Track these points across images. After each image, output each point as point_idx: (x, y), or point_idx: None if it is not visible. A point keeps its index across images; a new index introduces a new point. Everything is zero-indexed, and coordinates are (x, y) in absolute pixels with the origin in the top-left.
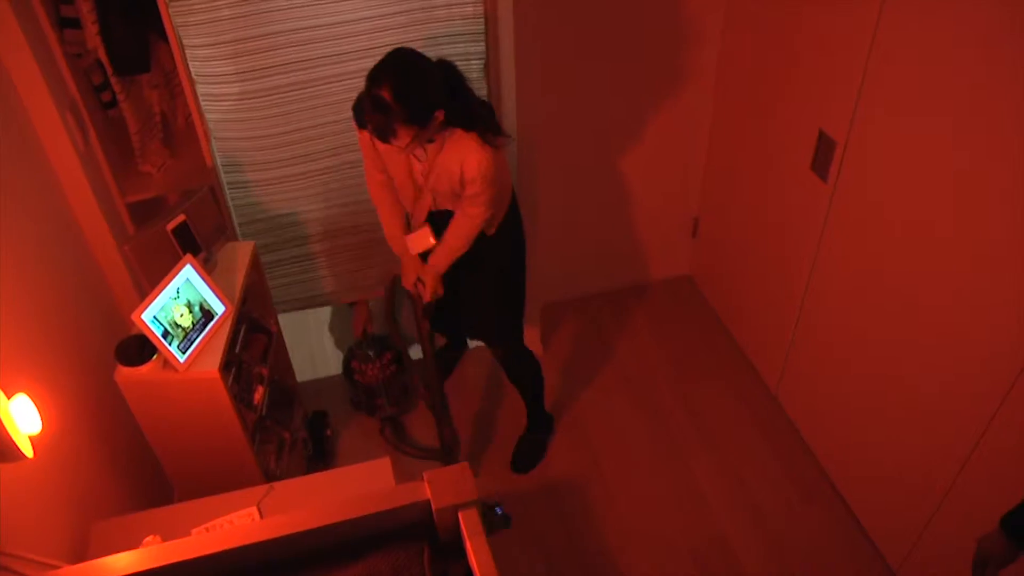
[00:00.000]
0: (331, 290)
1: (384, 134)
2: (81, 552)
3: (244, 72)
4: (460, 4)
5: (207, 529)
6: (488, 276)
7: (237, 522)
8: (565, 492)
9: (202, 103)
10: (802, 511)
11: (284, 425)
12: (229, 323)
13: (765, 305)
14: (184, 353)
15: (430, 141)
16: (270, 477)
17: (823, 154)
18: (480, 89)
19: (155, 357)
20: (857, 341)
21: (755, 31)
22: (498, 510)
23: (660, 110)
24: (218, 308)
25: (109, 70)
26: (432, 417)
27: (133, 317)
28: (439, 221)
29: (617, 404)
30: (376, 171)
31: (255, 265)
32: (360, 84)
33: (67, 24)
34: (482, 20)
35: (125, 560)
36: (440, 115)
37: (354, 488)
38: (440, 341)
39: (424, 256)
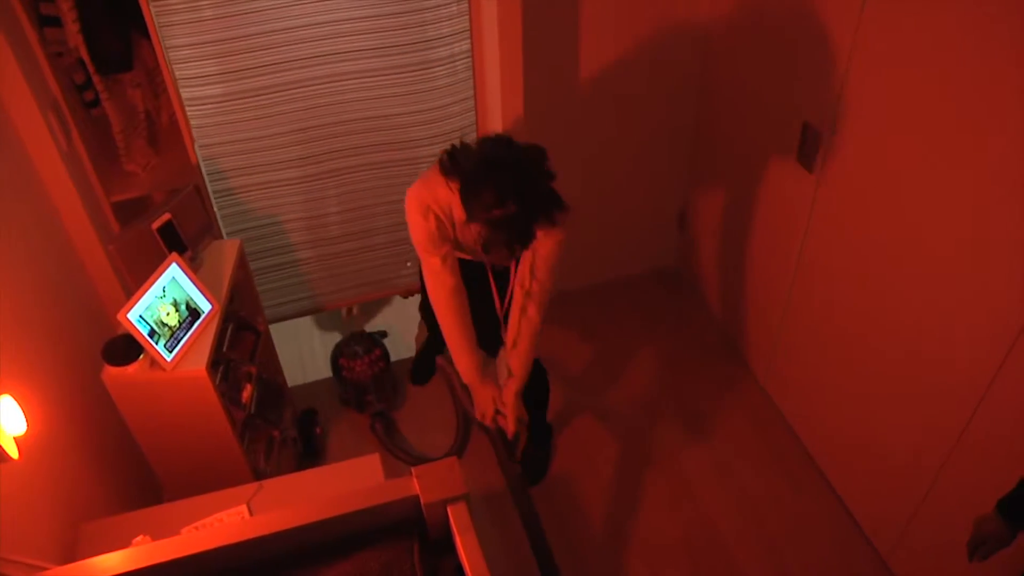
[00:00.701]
0: (316, 299)
1: (511, 247)
2: (70, 554)
3: (227, 73)
4: (445, 4)
5: (197, 528)
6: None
7: (227, 520)
8: (556, 487)
9: (185, 107)
10: (792, 501)
11: (273, 423)
12: (216, 322)
13: (752, 296)
14: (171, 352)
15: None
16: (260, 475)
17: (808, 145)
18: (467, 89)
19: (142, 356)
20: (844, 330)
21: (740, 20)
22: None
23: (645, 103)
24: (205, 307)
25: (91, 69)
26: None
27: (119, 316)
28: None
29: (606, 398)
30: (451, 275)
31: (242, 263)
32: (346, 86)
33: (47, 23)
34: (467, 19)
35: (114, 560)
36: None
37: (344, 485)
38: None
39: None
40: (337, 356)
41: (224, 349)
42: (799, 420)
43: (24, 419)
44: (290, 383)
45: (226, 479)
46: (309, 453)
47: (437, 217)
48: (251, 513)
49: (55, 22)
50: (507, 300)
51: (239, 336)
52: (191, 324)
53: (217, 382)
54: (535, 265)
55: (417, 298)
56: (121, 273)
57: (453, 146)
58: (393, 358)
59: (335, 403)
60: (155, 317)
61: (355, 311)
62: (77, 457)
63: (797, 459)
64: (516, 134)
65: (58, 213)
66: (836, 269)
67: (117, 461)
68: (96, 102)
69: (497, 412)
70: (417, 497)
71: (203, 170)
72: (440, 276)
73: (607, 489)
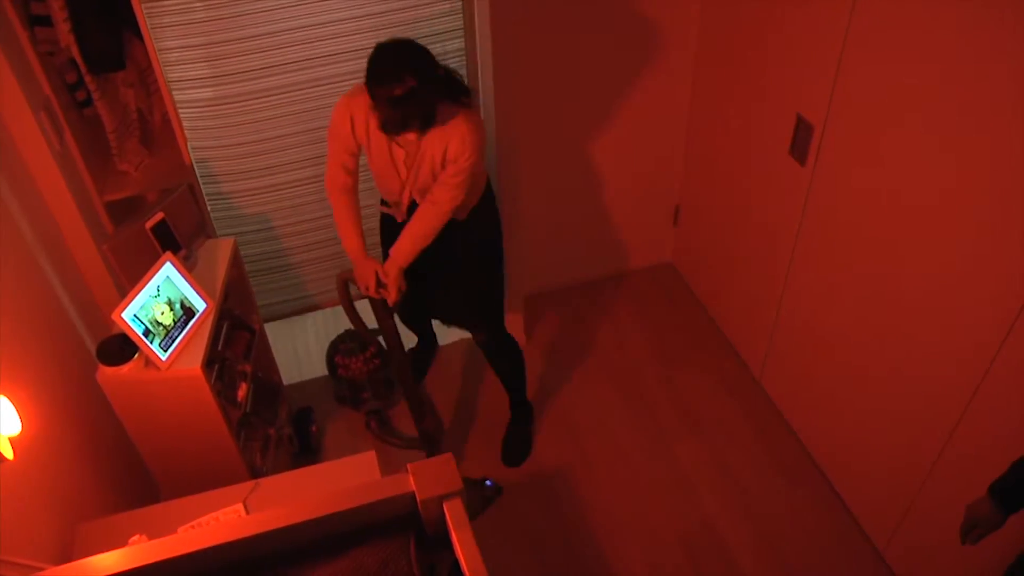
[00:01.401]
0: (311, 299)
1: (407, 122)
2: (66, 554)
3: (219, 76)
4: (437, 2)
5: (193, 527)
6: (468, 261)
7: (223, 519)
8: (552, 482)
9: (178, 110)
10: (788, 494)
11: (269, 421)
12: (211, 320)
13: (747, 290)
14: (166, 351)
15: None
16: (256, 474)
17: (801, 138)
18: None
19: (137, 356)
20: (839, 324)
21: (732, 16)
22: (488, 482)
23: (639, 98)
24: (199, 305)
25: (83, 68)
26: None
27: (113, 316)
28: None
29: (602, 393)
30: (344, 172)
31: (236, 262)
32: (336, 89)
33: (38, 22)
34: (459, 16)
35: (111, 559)
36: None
37: (340, 482)
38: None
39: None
40: (333, 354)
41: (219, 348)
42: (795, 414)
43: (19, 419)
44: (286, 381)
45: (222, 478)
46: (305, 451)
47: (352, 120)
48: (247, 511)
49: (46, 21)
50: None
51: (234, 335)
52: (186, 323)
53: (212, 381)
54: (447, 152)
55: None
56: (115, 272)
57: None
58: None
59: (330, 401)
60: (150, 316)
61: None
62: (72, 457)
63: (793, 453)
64: (510, 130)
65: (51, 213)
66: (830, 262)
67: (113, 461)
68: (88, 102)
69: (379, 281)
70: (413, 494)
71: (196, 170)
72: (333, 171)
73: (603, 485)
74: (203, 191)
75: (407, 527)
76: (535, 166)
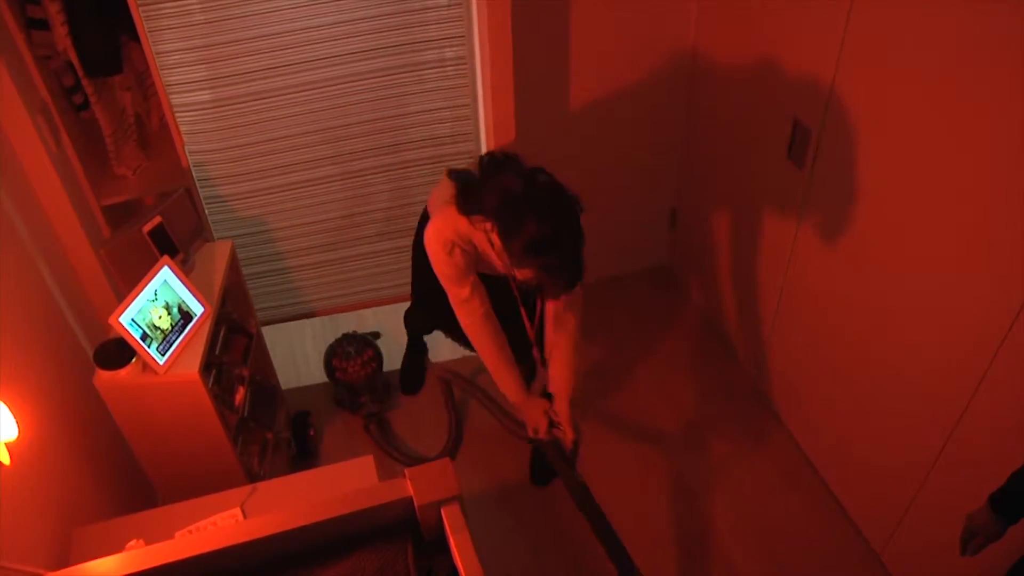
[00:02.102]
0: (309, 305)
1: (569, 289)
2: (63, 559)
3: (216, 79)
4: (434, 7)
5: (191, 532)
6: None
7: (221, 524)
8: (549, 486)
9: (175, 113)
10: (785, 497)
11: (267, 426)
12: (208, 324)
13: (745, 294)
14: (163, 355)
15: None
16: (254, 478)
17: (799, 142)
18: (459, 91)
19: (134, 360)
20: (836, 327)
21: (729, 19)
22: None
23: (636, 102)
24: (197, 309)
25: (80, 72)
26: (416, 414)
27: (110, 320)
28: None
29: (598, 397)
30: (481, 303)
31: (233, 266)
32: (335, 91)
33: (35, 25)
34: (460, 23)
35: (107, 565)
36: None
37: (338, 486)
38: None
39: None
40: (330, 357)
41: (217, 352)
42: (792, 417)
43: (15, 425)
44: (283, 385)
45: (220, 482)
46: (303, 455)
47: (462, 250)
48: (245, 516)
49: (43, 25)
50: (536, 314)
51: (232, 339)
52: (183, 327)
53: (210, 385)
54: None
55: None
56: (112, 277)
57: (458, 175)
58: (386, 359)
59: (329, 405)
60: (147, 320)
61: None
62: (70, 462)
63: (791, 456)
64: (507, 135)
65: (48, 217)
66: (828, 266)
67: (110, 465)
68: (85, 105)
69: (551, 424)
70: (411, 498)
71: (193, 174)
72: (470, 304)
73: (600, 489)
74: (201, 195)
75: (405, 532)
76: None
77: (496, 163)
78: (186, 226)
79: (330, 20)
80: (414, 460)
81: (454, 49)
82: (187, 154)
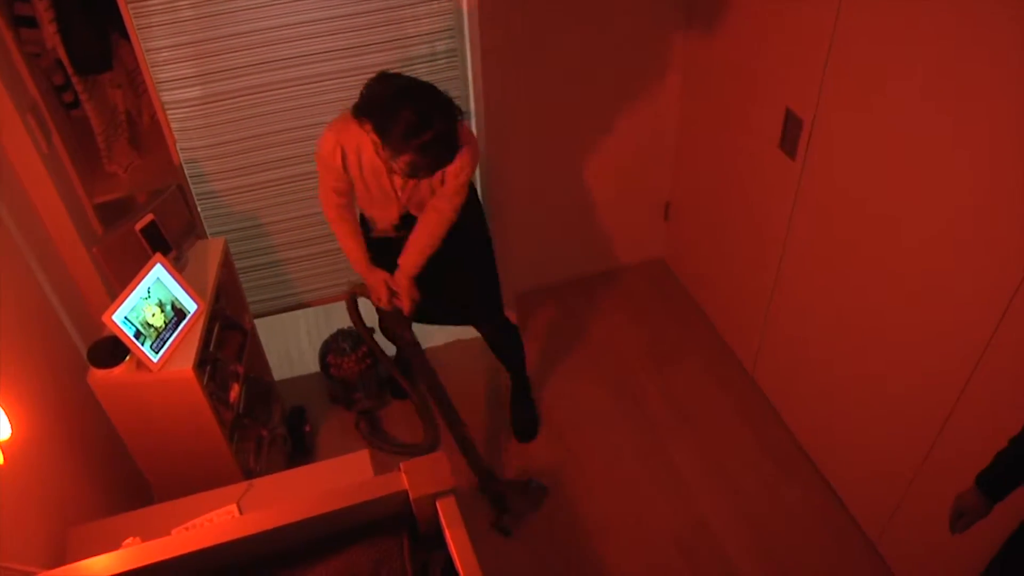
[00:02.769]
0: (301, 296)
1: (441, 163)
2: (59, 559)
3: (206, 75)
4: (426, 2)
5: (187, 528)
6: (469, 257)
7: (217, 520)
8: (545, 480)
9: (166, 110)
10: (781, 489)
11: (262, 422)
12: (202, 321)
13: (739, 285)
14: (157, 353)
15: None
16: (250, 475)
17: (791, 132)
18: (451, 83)
19: (128, 358)
20: (830, 317)
21: (721, 11)
22: (532, 483)
23: (628, 94)
24: (190, 306)
25: (70, 70)
26: (409, 411)
27: (104, 318)
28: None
29: (594, 391)
30: (336, 195)
31: (226, 262)
32: (327, 87)
33: (23, 23)
34: (450, 16)
35: (104, 562)
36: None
37: (333, 482)
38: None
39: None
40: (325, 353)
41: (211, 349)
42: (787, 408)
43: (8, 424)
44: (277, 376)
45: (216, 479)
46: (299, 451)
47: (343, 152)
48: (241, 512)
49: (31, 22)
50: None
51: (226, 335)
52: (177, 324)
53: (204, 382)
54: (447, 169)
55: None
56: (105, 275)
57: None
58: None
59: (324, 401)
60: (140, 318)
61: None
62: (64, 461)
63: (785, 446)
64: (499, 128)
65: (40, 216)
66: (821, 256)
67: (105, 464)
68: (76, 103)
69: (391, 292)
70: (406, 492)
71: (185, 170)
72: (330, 197)
73: (595, 481)
74: (193, 191)
75: (400, 526)
76: (526, 163)
77: (382, 76)
78: (178, 223)
79: (321, 16)
80: (404, 449)
81: (445, 43)
82: (179, 151)
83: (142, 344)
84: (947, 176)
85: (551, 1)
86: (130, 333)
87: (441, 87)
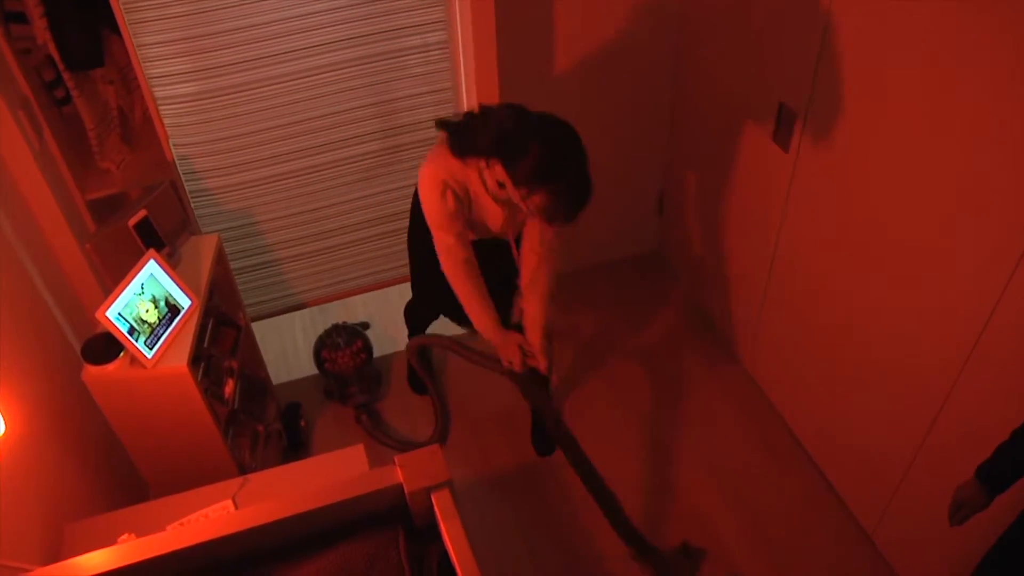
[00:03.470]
0: (299, 296)
1: (584, 204)
2: (54, 555)
3: (198, 71)
4: None
5: (182, 524)
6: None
7: (212, 516)
8: (541, 472)
9: (158, 107)
10: (776, 478)
11: (257, 418)
12: (196, 317)
13: (733, 278)
14: (151, 349)
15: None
16: (245, 470)
17: (784, 125)
18: (443, 76)
19: (122, 354)
20: (824, 307)
21: (714, 4)
22: (688, 545)
23: (621, 86)
24: (184, 302)
25: (61, 66)
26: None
27: (97, 315)
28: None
29: (589, 384)
30: (463, 247)
31: (220, 258)
32: (319, 80)
33: (13, 19)
34: (441, 7)
35: (100, 558)
36: None
37: (328, 476)
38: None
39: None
40: (319, 348)
41: (205, 345)
42: (782, 400)
43: (3, 421)
44: (273, 377)
45: (212, 475)
46: (294, 446)
47: (454, 194)
48: (237, 507)
49: (21, 18)
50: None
51: (220, 331)
52: (171, 320)
53: (199, 378)
54: (542, 226)
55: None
56: (98, 271)
57: (450, 123)
58: (376, 350)
59: (319, 396)
60: (134, 314)
61: None
62: (59, 458)
63: (780, 437)
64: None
65: (32, 213)
66: (815, 248)
67: (101, 460)
68: (67, 99)
69: (525, 356)
70: (401, 485)
71: (178, 167)
72: (454, 251)
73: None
74: (186, 187)
75: (396, 520)
76: None
77: (484, 108)
78: (171, 219)
79: (312, 9)
80: (409, 446)
81: (437, 34)
82: (171, 147)
83: (136, 340)
84: (941, 168)
85: None
86: (124, 329)
87: (433, 79)
